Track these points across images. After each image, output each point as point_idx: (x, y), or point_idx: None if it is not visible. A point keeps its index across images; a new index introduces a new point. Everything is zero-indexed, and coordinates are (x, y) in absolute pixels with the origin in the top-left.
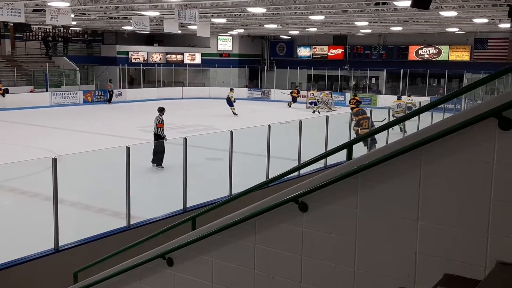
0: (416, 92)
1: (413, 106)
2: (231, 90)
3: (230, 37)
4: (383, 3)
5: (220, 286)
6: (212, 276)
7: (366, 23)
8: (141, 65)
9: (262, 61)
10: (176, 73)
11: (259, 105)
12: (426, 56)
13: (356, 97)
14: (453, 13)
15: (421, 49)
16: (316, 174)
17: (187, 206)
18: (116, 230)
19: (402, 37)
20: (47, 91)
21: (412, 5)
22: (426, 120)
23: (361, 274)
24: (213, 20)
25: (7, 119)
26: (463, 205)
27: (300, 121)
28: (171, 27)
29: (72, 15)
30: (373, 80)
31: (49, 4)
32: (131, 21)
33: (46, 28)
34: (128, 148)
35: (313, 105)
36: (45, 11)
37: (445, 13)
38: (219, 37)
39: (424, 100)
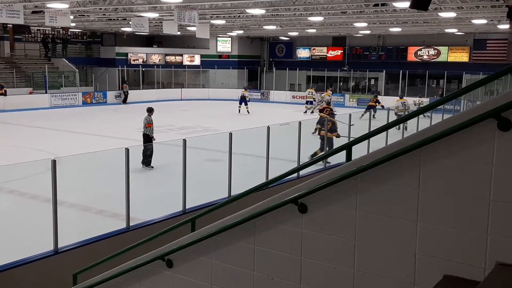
0: (415, 93)
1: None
2: (245, 89)
3: (229, 39)
4: (382, 4)
5: None
6: (211, 278)
7: (365, 24)
8: (140, 66)
9: (261, 62)
10: (175, 74)
11: (258, 106)
12: (425, 57)
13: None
14: (452, 14)
15: (420, 50)
16: (316, 175)
17: (186, 207)
18: (116, 231)
19: (401, 38)
20: (46, 92)
21: (411, 6)
22: (425, 121)
23: (361, 275)
24: (212, 21)
25: (6, 120)
26: (463, 206)
27: (300, 122)
28: (170, 29)
29: (71, 17)
30: (372, 81)
31: (48, 5)
32: (130, 22)
33: (45, 30)
34: (127, 150)
35: (309, 104)
36: (44, 12)
37: (444, 14)
38: (218, 38)
39: (424, 100)
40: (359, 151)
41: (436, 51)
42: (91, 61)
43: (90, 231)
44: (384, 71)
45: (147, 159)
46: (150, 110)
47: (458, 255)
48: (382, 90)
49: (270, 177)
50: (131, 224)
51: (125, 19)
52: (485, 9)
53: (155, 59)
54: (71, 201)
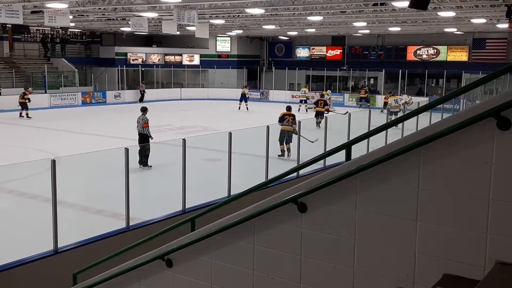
0: (414, 92)
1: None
2: (245, 87)
3: (229, 38)
4: (381, 4)
5: (219, 287)
6: (211, 277)
7: (364, 24)
8: (140, 66)
9: (261, 62)
10: (174, 74)
11: (257, 106)
12: (424, 56)
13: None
14: (451, 14)
15: (419, 49)
16: (315, 174)
17: (186, 207)
18: (115, 231)
19: (400, 38)
20: (45, 92)
21: (410, 6)
22: (424, 120)
23: (360, 274)
24: (212, 21)
25: (5, 120)
26: (462, 205)
27: (299, 122)
28: (169, 28)
29: (71, 17)
30: (372, 81)
31: (47, 5)
32: (129, 22)
33: (45, 30)
34: (127, 150)
35: (302, 102)
36: (43, 12)
37: (443, 14)
38: (217, 38)
39: (423, 100)
40: (358, 150)
41: (435, 50)
42: (90, 61)
43: (90, 231)
44: (384, 70)
45: (145, 159)
46: (144, 110)
47: (457, 254)
48: (382, 89)
49: (270, 177)
50: (131, 223)
51: (124, 19)
52: (484, 9)
53: (155, 59)
54: (70, 201)
